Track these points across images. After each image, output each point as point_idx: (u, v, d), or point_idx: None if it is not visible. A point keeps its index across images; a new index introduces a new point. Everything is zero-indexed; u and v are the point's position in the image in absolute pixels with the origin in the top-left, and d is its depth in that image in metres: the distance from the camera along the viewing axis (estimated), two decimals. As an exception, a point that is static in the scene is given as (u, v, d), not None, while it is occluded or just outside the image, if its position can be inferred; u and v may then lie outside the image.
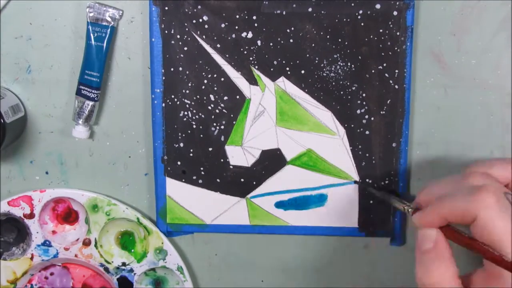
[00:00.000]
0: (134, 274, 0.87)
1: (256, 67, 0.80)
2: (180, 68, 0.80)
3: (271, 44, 0.79)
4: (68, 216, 0.87)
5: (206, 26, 0.79)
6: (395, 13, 0.78)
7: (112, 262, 0.87)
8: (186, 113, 0.81)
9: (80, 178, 0.87)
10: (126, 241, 0.87)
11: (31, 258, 0.87)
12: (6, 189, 0.87)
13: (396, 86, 0.79)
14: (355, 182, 0.82)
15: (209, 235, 0.88)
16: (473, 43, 0.82)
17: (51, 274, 0.90)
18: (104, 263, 0.87)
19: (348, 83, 0.80)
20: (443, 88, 0.83)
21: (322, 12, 0.78)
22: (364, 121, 0.80)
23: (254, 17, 0.79)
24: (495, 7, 0.81)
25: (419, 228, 0.65)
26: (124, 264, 0.87)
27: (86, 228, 0.86)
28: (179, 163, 0.83)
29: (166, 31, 0.79)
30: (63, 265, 0.90)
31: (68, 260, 0.89)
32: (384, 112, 0.80)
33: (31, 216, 0.85)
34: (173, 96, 0.81)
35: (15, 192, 0.86)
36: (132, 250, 0.87)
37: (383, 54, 0.79)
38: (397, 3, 0.77)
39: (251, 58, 0.80)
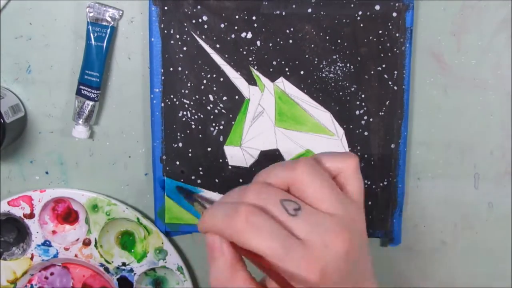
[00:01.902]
0: (134, 274, 0.87)
1: (256, 67, 0.80)
2: (180, 68, 0.80)
3: (270, 44, 0.79)
4: (68, 216, 0.87)
5: (205, 26, 0.79)
6: (394, 14, 0.78)
7: (112, 262, 0.87)
8: (185, 113, 0.81)
9: (80, 178, 0.87)
10: (126, 241, 0.87)
11: (31, 258, 0.87)
12: (6, 189, 0.87)
13: (395, 87, 0.79)
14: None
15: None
16: (473, 43, 0.82)
17: (51, 274, 0.90)
18: (104, 263, 0.87)
19: (347, 84, 0.80)
20: (443, 88, 0.83)
21: (322, 13, 0.78)
22: (363, 122, 0.80)
23: (254, 18, 0.79)
24: (495, 7, 0.81)
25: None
26: (124, 264, 0.87)
27: (86, 228, 0.86)
28: (177, 163, 0.83)
29: (166, 31, 0.80)
30: (63, 265, 0.90)
31: (68, 260, 0.89)
32: (383, 113, 0.80)
33: (31, 216, 0.85)
34: (172, 96, 0.81)
35: (15, 192, 0.86)
36: (132, 250, 0.87)
37: (382, 55, 0.79)
38: (397, 4, 0.77)
39: (250, 59, 0.80)
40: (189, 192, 0.82)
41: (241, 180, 0.83)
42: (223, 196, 0.61)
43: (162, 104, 0.81)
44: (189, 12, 0.79)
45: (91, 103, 0.81)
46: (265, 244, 0.55)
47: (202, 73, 0.80)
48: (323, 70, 0.79)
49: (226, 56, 0.80)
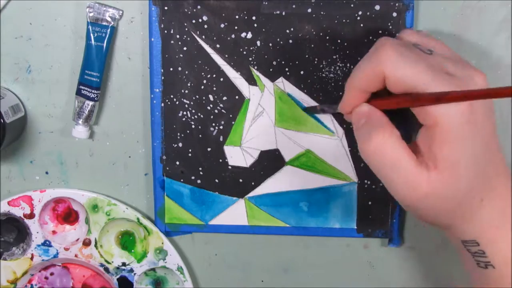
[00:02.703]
0: (134, 274, 0.87)
1: (256, 67, 0.80)
2: (180, 68, 0.80)
3: (270, 44, 0.79)
4: (68, 216, 0.87)
5: (205, 26, 0.79)
6: (394, 14, 0.77)
7: (112, 262, 0.87)
8: (185, 113, 0.81)
9: (80, 178, 0.87)
10: (126, 241, 0.87)
11: (31, 258, 0.87)
12: (6, 189, 0.87)
13: (395, 87, 0.79)
14: (354, 183, 0.83)
15: (209, 235, 0.88)
16: (473, 43, 0.82)
17: (51, 274, 0.91)
18: (104, 263, 0.87)
19: (347, 84, 0.80)
20: (443, 88, 0.83)
21: (322, 13, 0.78)
22: (363, 122, 0.80)
23: (254, 18, 0.79)
24: (495, 7, 0.80)
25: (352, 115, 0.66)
26: (124, 264, 0.87)
27: (86, 228, 0.86)
28: (177, 163, 0.83)
29: (166, 31, 0.79)
30: (63, 265, 0.90)
31: (68, 260, 0.89)
32: (383, 113, 0.80)
33: (31, 216, 0.85)
34: (172, 96, 0.81)
35: (15, 192, 0.86)
36: (132, 250, 0.87)
37: (382, 55, 0.79)
38: (397, 4, 0.77)
39: (250, 59, 0.80)
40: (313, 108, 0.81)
41: (241, 180, 0.83)
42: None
43: (162, 104, 0.81)
44: (189, 12, 0.79)
45: (91, 103, 0.81)
46: (417, 70, 0.58)
47: (202, 73, 0.80)
48: (323, 70, 0.79)
49: (226, 56, 0.80)
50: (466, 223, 0.62)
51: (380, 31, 0.78)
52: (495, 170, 0.62)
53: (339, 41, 0.79)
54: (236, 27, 0.79)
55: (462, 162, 0.58)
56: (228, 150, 0.82)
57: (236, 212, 0.84)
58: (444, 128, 0.57)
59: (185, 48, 0.80)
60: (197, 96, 0.81)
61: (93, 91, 0.81)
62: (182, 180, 0.83)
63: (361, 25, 0.78)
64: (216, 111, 0.81)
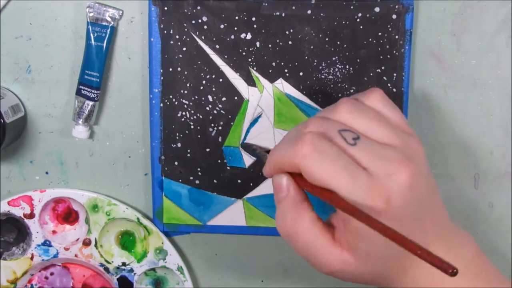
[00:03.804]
0: (134, 274, 0.87)
1: (255, 68, 0.80)
2: (179, 69, 0.80)
3: (270, 45, 0.79)
4: (68, 216, 0.87)
5: (205, 27, 0.79)
6: (394, 16, 0.77)
7: (112, 262, 0.87)
8: (184, 113, 0.81)
9: (80, 178, 0.87)
10: (126, 241, 0.87)
11: (31, 258, 0.87)
12: (6, 189, 0.87)
13: (394, 90, 0.79)
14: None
15: (209, 235, 0.88)
16: (473, 43, 0.82)
17: (51, 274, 0.91)
18: (104, 263, 0.87)
19: (346, 86, 0.79)
20: (443, 88, 0.83)
21: (321, 14, 0.78)
22: (362, 123, 0.80)
23: (254, 19, 0.79)
24: (495, 7, 0.80)
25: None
26: (124, 264, 0.87)
27: (86, 228, 0.86)
28: (176, 163, 0.83)
29: (165, 31, 0.79)
30: (63, 265, 0.90)
31: (68, 260, 0.89)
32: (382, 115, 0.80)
33: (31, 216, 0.85)
34: (171, 96, 0.81)
35: (15, 192, 0.86)
36: (132, 250, 0.87)
37: (381, 57, 0.78)
38: (396, 6, 0.77)
39: (249, 60, 0.80)
40: (249, 146, 0.80)
41: (239, 181, 0.83)
42: (284, 136, 0.61)
43: (161, 104, 0.81)
44: (189, 13, 0.79)
45: (91, 103, 0.81)
46: (331, 171, 0.55)
47: (201, 74, 0.80)
48: (322, 71, 0.79)
49: (226, 56, 0.80)
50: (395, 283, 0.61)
51: (379, 33, 0.78)
52: (424, 236, 0.60)
53: (338, 42, 0.79)
54: (235, 28, 0.79)
55: (376, 255, 0.57)
56: (227, 151, 0.82)
57: (234, 213, 0.84)
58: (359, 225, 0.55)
59: (184, 49, 0.80)
60: (196, 97, 0.81)
61: (93, 91, 0.81)
62: (180, 180, 0.83)
63: (361, 27, 0.78)
64: (215, 111, 0.81)
